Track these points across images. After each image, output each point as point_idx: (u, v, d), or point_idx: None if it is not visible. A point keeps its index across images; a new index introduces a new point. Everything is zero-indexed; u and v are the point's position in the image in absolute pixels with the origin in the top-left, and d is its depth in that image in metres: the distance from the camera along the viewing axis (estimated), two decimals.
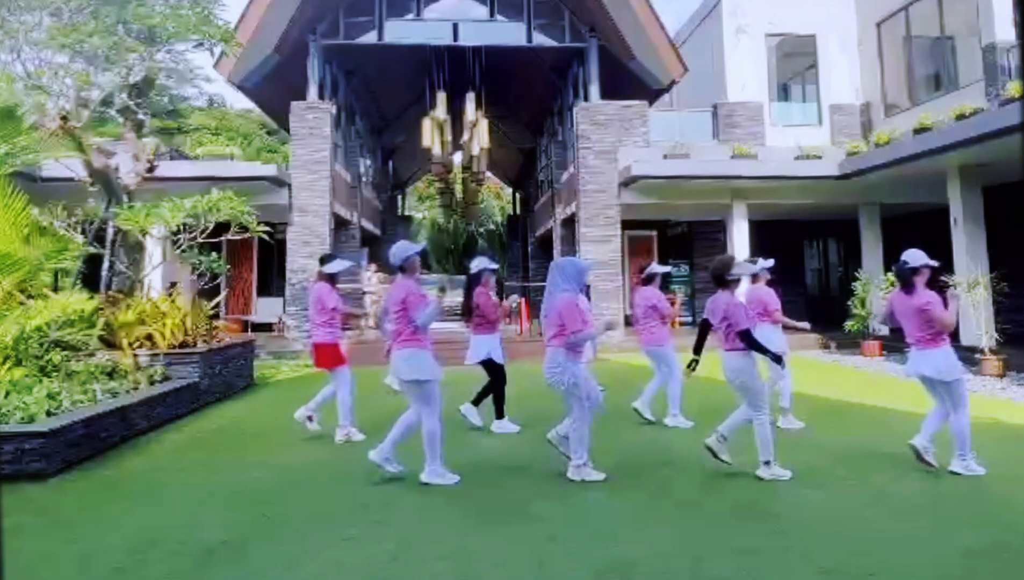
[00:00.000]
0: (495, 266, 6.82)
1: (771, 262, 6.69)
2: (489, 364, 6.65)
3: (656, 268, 7.19)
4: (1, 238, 6.36)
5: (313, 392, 6.52)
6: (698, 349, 5.36)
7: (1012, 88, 10.04)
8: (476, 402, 6.72)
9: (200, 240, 9.35)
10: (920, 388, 5.10)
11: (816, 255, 18.45)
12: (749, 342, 4.79)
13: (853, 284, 13.06)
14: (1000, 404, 7.63)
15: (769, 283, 6.73)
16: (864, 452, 5.46)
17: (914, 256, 4.99)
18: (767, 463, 4.82)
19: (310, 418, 6.32)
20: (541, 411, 6.97)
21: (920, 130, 11.32)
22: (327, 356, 6.30)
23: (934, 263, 5.02)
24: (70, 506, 4.51)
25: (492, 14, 15.58)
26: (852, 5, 16.34)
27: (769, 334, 6.52)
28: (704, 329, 5.36)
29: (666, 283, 17.31)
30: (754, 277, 6.76)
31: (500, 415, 6.63)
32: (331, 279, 6.40)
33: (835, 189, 13.43)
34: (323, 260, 6.60)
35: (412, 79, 19.40)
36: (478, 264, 6.73)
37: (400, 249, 4.87)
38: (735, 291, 5.05)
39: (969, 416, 4.87)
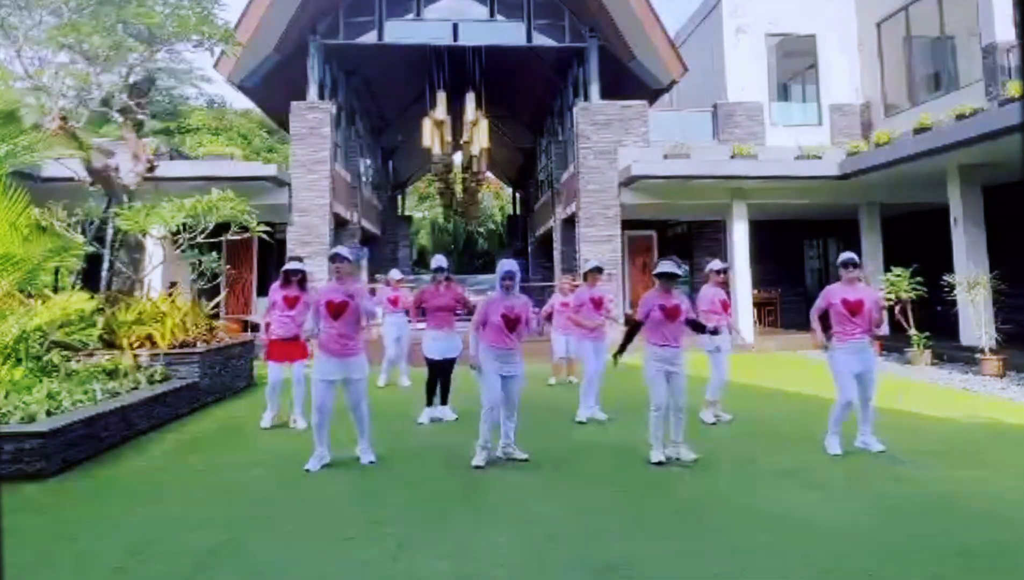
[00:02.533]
0: (442, 265, 6.98)
1: (720, 264, 7.02)
2: (441, 362, 6.92)
3: (591, 263, 7.57)
4: (1, 238, 6.36)
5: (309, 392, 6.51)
6: (624, 347, 5.57)
7: (1012, 88, 10.04)
8: (444, 401, 7.03)
9: (200, 240, 9.34)
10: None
11: (816, 255, 18.43)
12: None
13: None
14: (1000, 404, 7.63)
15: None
16: (863, 452, 5.46)
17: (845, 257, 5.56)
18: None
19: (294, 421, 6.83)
20: (539, 409, 6.97)
21: (920, 130, 11.32)
22: (289, 350, 6.69)
23: (845, 257, 5.53)
24: (70, 506, 4.51)
25: (492, 14, 15.58)
26: (852, 5, 16.35)
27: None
28: (634, 327, 5.52)
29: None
30: (706, 276, 7.08)
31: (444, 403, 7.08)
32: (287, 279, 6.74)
33: (835, 189, 13.43)
34: (299, 258, 6.93)
35: (412, 79, 19.41)
36: (434, 263, 7.05)
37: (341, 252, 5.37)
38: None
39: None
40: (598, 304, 7.21)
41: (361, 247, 17.15)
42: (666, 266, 5.34)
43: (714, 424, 6.63)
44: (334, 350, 5.12)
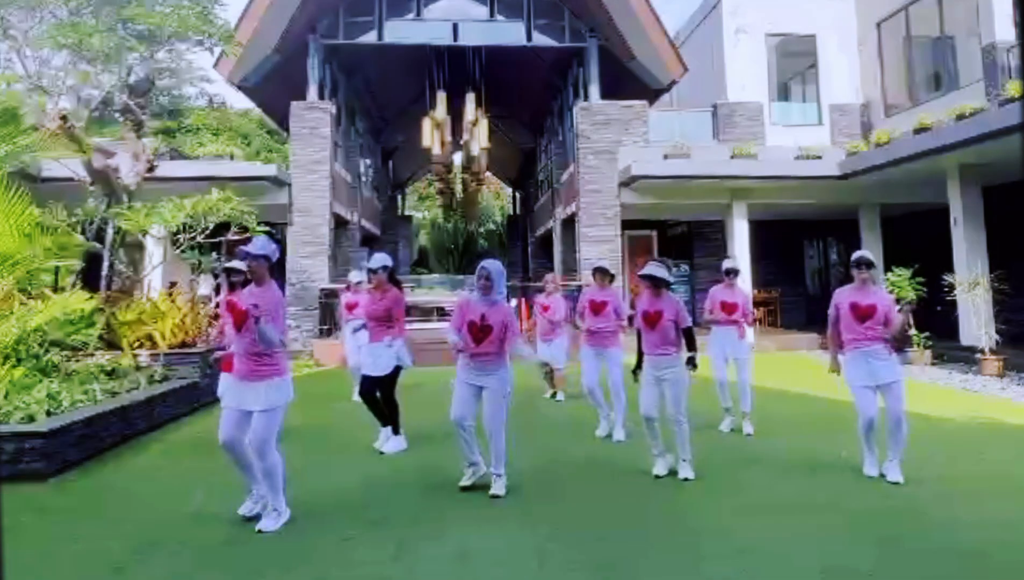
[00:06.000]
0: (370, 265, 5.95)
1: (728, 264, 6.63)
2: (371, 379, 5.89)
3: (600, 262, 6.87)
4: (2, 238, 6.36)
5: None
6: (639, 361, 5.04)
7: (1012, 88, 10.03)
8: (395, 430, 5.93)
9: (200, 240, 9.34)
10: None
11: (816, 255, 18.44)
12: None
13: None
14: (1000, 404, 7.63)
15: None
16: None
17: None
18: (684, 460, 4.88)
19: None
20: (536, 416, 6.96)
21: (920, 130, 11.32)
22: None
23: (856, 256, 4.95)
24: (70, 506, 4.51)
25: (492, 14, 15.57)
26: (852, 5, 16.34)
27: None
28: (638, 336, 5.02)
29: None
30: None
31: (388, 424, 5.94)
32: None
33: (835, 189, 13.43)
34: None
35: (412, 79, 19.39)
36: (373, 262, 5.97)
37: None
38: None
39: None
40: (599, 308, 6.37)
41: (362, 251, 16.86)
42: (650, 269, 4.89)
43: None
44: (238, 370, 4.09)
